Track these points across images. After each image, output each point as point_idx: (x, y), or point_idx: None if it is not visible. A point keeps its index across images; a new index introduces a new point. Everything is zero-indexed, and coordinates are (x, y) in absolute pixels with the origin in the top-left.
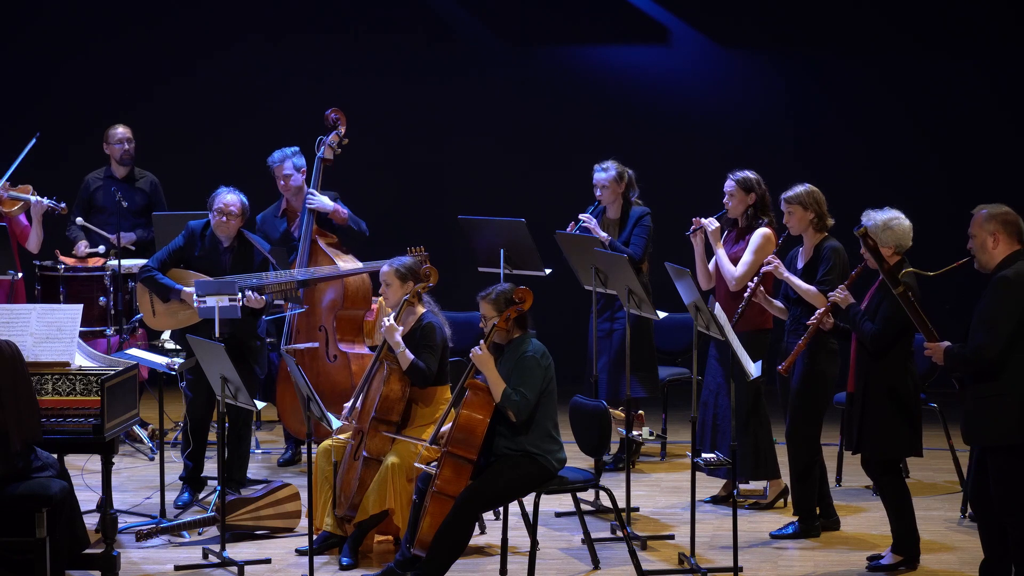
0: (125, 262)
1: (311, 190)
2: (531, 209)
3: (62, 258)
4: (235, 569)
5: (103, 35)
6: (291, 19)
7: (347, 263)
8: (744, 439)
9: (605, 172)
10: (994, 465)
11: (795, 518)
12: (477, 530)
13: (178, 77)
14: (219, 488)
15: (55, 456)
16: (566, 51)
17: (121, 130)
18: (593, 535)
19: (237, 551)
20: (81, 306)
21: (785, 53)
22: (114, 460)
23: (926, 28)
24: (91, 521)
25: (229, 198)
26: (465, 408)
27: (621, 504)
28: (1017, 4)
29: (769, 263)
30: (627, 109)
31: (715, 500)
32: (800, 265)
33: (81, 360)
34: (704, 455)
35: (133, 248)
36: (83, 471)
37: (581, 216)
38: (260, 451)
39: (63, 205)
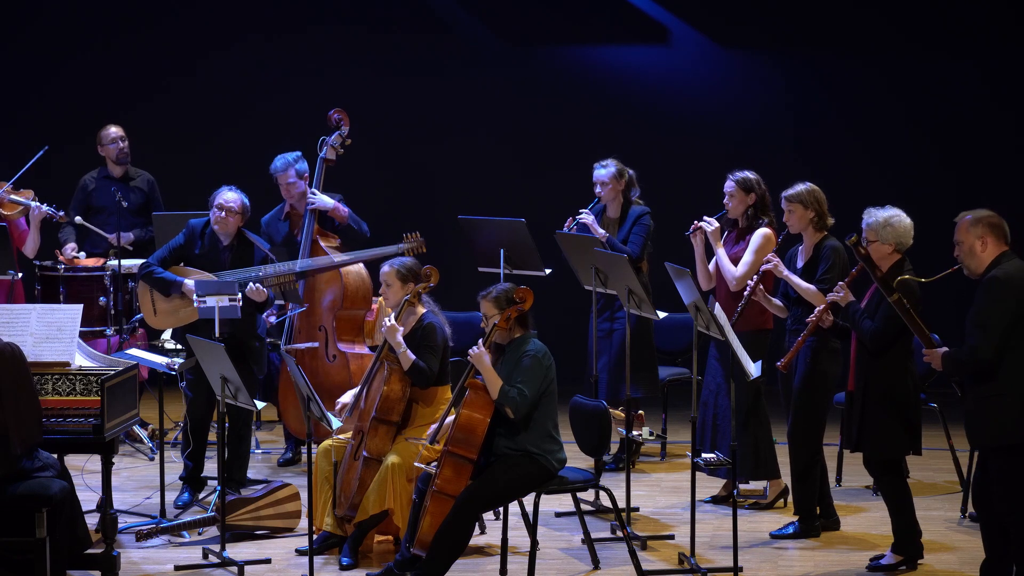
0: (125, 262)
1: (312, 190)
2: (531, 209)
3: (62, 258)
4: (235, 569)
5: (103, 36)
6: (291, 19)
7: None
8: (744, 439)
9: (605, 170)
10: (995, 465)
11: (795, 518)
12: (477, 530)
13: (177, 77)
14: (219, 488)
15: (55, 456)
16: (566, 51)
17: (114, 130)
18: (593, 535)
19: (237, 551)
20: (81, 306)
21: (785, 53)
22: (114, 460)
23: (926, 28)
24: (91, 521)
25: (229, 195)
26: (465, 408)
27: (621, 504)
28: (1017, 4)
29: (769, 261)
30: (627, 109)
31: (715, 500)
32: (800, 264)
33: (81, 360)
34: (704, 455)
35: (131, 248)
36: (83, 471)
37: (580, 212)
38: (260, 451)
39: (62, 213)
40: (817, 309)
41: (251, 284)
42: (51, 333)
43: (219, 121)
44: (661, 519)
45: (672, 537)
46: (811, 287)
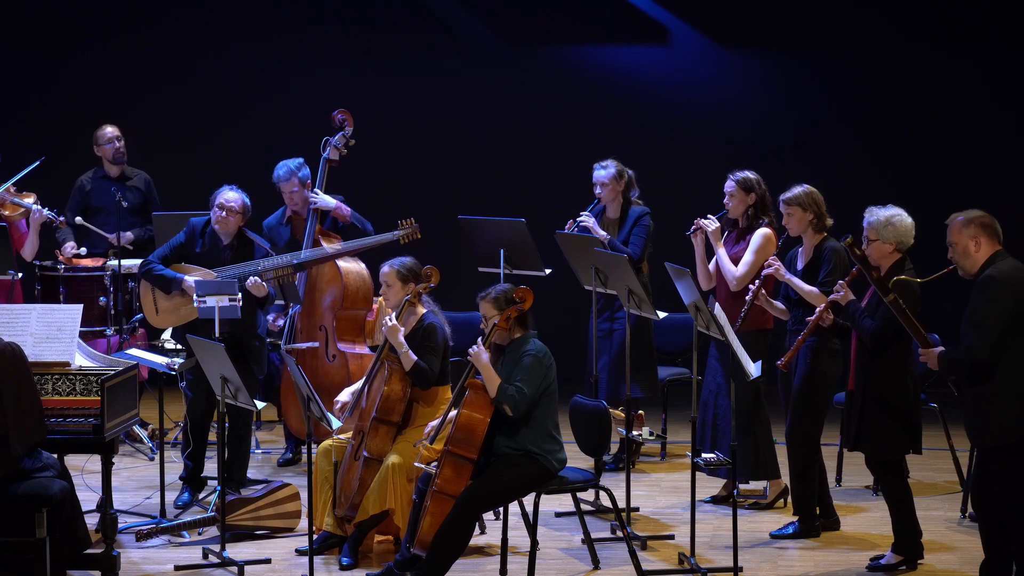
0: (125, 262)
1: (315, 190)
2: (531, 209)
3: (62, 258)
4: (235, 569)
5: (103, 36)
6: (291, 19)
7: (349, 263)
8: (744, 439)
9: (605, 170)
10: (996, 464)
11: (795, 518)
12: (477, 530)
13: (177, 77)
14: (219, 488)
15: (55, 456)
16: (566, 51)
17: (110, 130)
18: (593, 535)
19: (237, 551)
20: (81, 306)
21: (785, 53)
22: (114, 460)
23: (926, 28)
24: (91, 521)
25: (230, 195)
26: (466, 407)
27: (621, 504)
28: (1017, 4)
29: (769, 265)
30: (627, 109)
31: (715, 500)
32: (800, 266)
33: (81, 360)
34: (704, 455)
35: (131, 248)
36: (83, 471)
37: (580, 215)
38: (260, 451)
39: (62, 219)
40: (818, 308)
41: (251, 278)
42: (51, 333)
43: (219, 121)
44: (661, 519)
45: (672, 537)
46: (813, 289)
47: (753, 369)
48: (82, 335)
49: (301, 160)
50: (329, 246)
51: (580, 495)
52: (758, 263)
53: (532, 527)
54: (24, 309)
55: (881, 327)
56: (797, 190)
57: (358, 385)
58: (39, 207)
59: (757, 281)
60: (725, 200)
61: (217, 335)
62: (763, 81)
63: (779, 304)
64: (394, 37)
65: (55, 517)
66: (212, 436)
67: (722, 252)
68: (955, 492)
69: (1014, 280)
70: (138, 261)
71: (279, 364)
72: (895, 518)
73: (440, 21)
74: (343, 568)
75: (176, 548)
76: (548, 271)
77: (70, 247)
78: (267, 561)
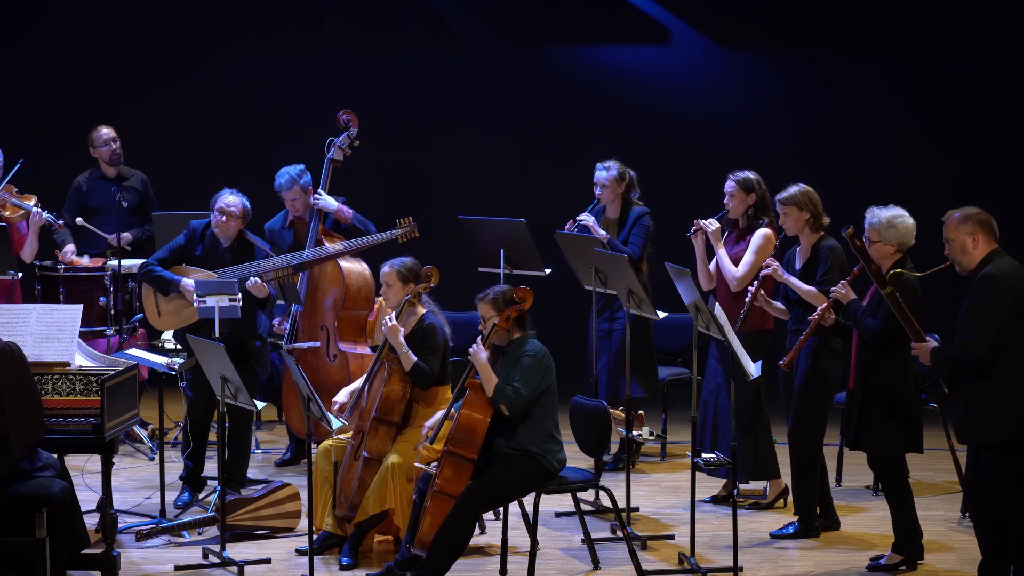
0: (125, 262)
1: (319, 191)
2: (531, 209)
3: (62, 259)
4: (235, 569)
5: (103, 36)
6: (291, 19)
7: (352, 263)
8: (744, 439)
9: (606, 171)
10: (992, 463)
11: (795, 518)
12: (477, 530)
13: (177, 77)
14: (219, 488)
15: (55, 456)
16: (566, 51)
17: (106, 131)
18: (593, 535)
19: (237, 551)
20: (81, 306)
21: (785, 53)
22: (114, 460)
23: (926, 28)
24: (91, 521)
25: (230, 199)
26: (465, 407)
27: (621, 504)
28: (1017, 4)
29: (768, 266)
30: (627, 109)
31: (715, 500)
32: (798, 265)
33: (81, 360)
34: (704, 455)
35: (130, 248)
36: (83, 471)
37: (580, 215)
38: (260, 451)
39: (61, 222)
40: (819, 308)
41: (251, 279)
42: (51, 333)
43: (219, 121)
44: (661, 519)
45: (672, 537)
46: (811, 288)
47: (753, 369)
48: (82, 335)
49: (302, 167)
50: (332, 246)
51: (580, 495)
52: (758, 263)
53: (532, 527)
54: (24, 309)
55: (883, 326)
56: (793, 189)
57: (355, 385)
58: (39, 209)
59: (756, 282)
60: (725, 200)
61: (217, 335)
62: (763, 81)
63: (779, 304)
64: (394, 37)
65: (55, 517)
66: (212, 436)
67: (722, 252)
68: (955, 492)
69: (1013, 279)
70: (138, 261)
71: (280, 364)
72: (895, 518)
73: (440, 21)
74: (343, 568)
75: (176, 548)
76: (548, 271)
77: (70, 250)
78: (267, 561)
